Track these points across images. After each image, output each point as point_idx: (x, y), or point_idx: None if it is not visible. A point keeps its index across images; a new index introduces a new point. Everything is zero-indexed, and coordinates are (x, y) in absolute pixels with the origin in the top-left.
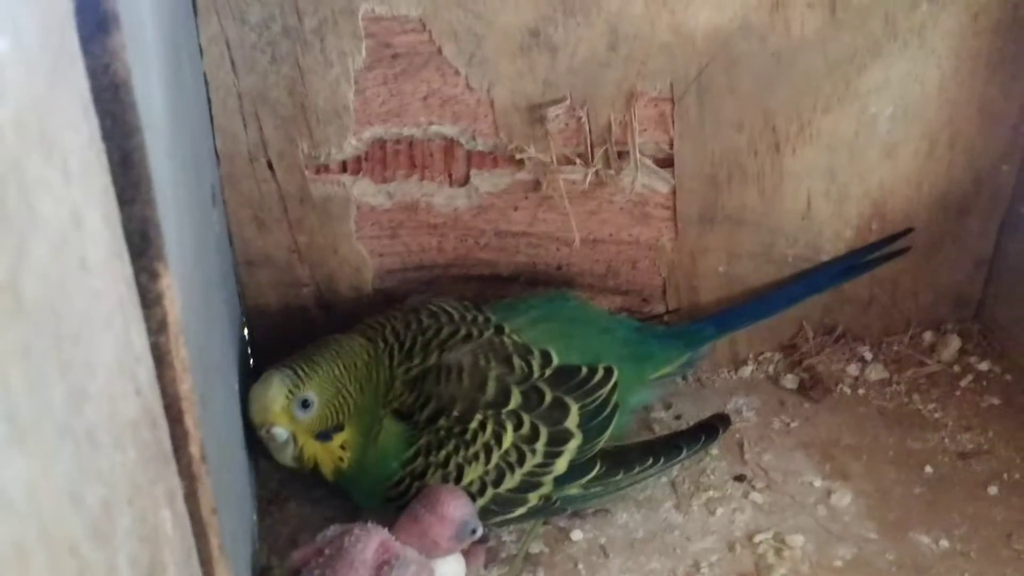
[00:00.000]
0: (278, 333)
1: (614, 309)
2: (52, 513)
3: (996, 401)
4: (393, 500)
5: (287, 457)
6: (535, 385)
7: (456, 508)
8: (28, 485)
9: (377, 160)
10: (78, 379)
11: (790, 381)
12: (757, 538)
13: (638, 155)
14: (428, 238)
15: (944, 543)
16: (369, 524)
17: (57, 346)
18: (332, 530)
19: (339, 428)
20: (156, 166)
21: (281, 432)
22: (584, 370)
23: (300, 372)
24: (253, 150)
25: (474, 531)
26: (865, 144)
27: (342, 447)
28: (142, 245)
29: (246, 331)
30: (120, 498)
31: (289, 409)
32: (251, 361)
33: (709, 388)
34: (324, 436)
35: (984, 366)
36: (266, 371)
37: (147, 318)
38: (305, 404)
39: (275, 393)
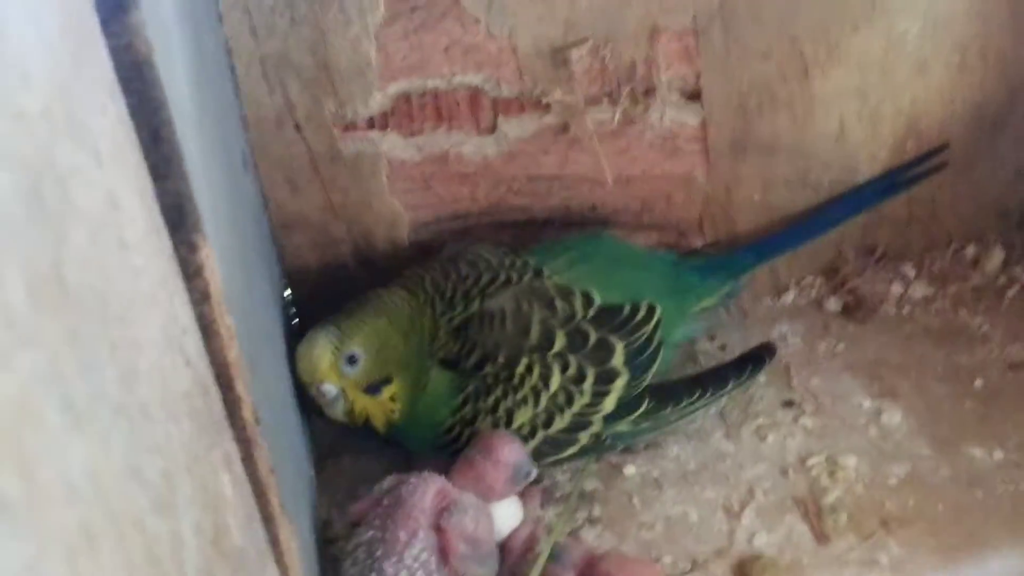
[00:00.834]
0: (320, 292)
1: (651, 245)
2: (115, 492)
3: None
4: (445, 447)
5: (338, 412)
6: (579, 326)
7: (510, 453)
8: (90, 469)
9: (404, 114)
10: (128, 358)
11: (833, 304)
12: (810, 462)
13: (665, 91)
14: (460, 188)
15: (998, 455)
16: (425, 473)
17: (105, 328)
18: (389, 481)
19: (387, 381)
20: (185, 140)
21: (330, 389)
22: (627, 308)
23: (344, 328)
24: (280, 114)
25: (528, 474)
26: (895, 62)
27: (392, 399)
28: (179, 219)
29: (288, 292)
30: (179, 468)
31: (336, 365)
32: (295, 322)
33: (752, 317)
34: (373, 389)
35: None
36: (310, 330)
37: (190, 290)
38: (351, 360)
39: (321, 351)
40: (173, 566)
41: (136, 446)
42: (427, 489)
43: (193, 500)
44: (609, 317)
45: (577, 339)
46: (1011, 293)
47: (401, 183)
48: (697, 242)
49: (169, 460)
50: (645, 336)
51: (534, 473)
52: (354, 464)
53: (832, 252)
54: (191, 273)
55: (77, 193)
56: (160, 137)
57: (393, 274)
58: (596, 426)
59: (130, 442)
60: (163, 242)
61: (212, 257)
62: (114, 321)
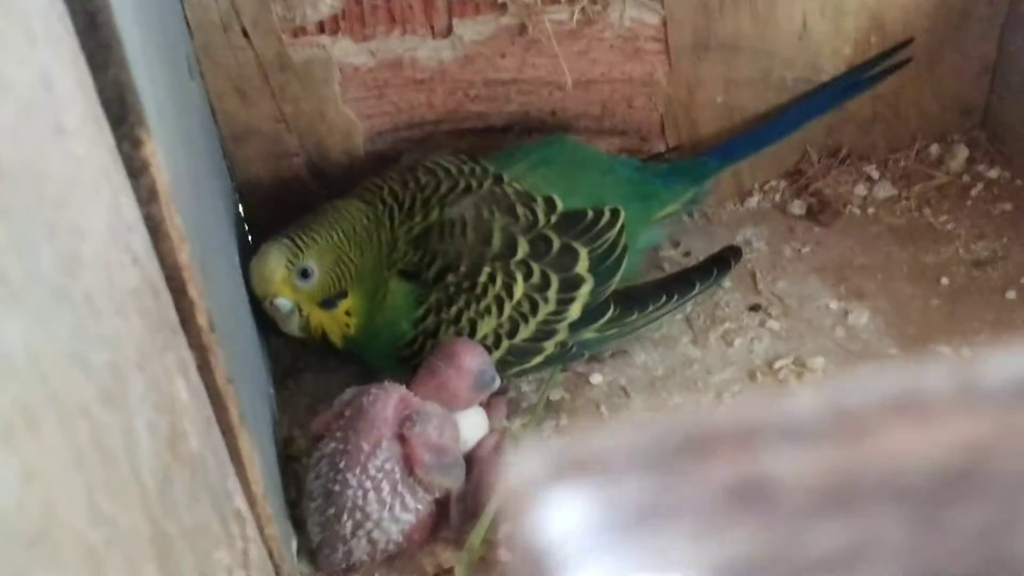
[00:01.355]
0: (273, 206)
1: (613, 151)
2: (57, 375)
3: (1008, 207)
4: (407, 360)
5: (293, 327)
6: (542, 233)
7: (472, 358)
8: (28, 346)
9: (355, 18)
10: (68, 243)
11: (798, 207)
12: (777, 364)
13: None
14: (416, 95)
15: (965, 351)
16: (386, 383)
17: (40, 208)
18: (349, 392)
19: (343, 295)
20: (124, 29)
21: (284, 303)
22: (590, 213)
23: (298, 241)
24: (225, 18)
25: (492, 380)
26: None
27: (347, 313)
28: (121, 111)
29: (240, 208)
30: (129, 364)
31: (290, 279)
32: (249, 237)
33: (716, 222)
34: (328, 304)
35: (993, 173)
36: (264, 243)
37: (136, 188)
38: (305, 273)
39: (274, 264)
40: (126, 460)
41: (81, 333)
42: (389, 398)
43: (145, 399)
44: (572, 223)
45: (540, 246)
46: (975, 191)
47: (354, 91)
48: (659, 147)
49: (117, 354)
50: (609, 241)
51: (498, 380)
52: (315, 382)
53: (796, 154)
54: (136, 169)
55: (6, 66)
56: (97, 23)
57: (349, 187)
58: (562, 334)
59: (74, 328)
60: (104, 134)
61: (158, 155)
62: (51, 203)
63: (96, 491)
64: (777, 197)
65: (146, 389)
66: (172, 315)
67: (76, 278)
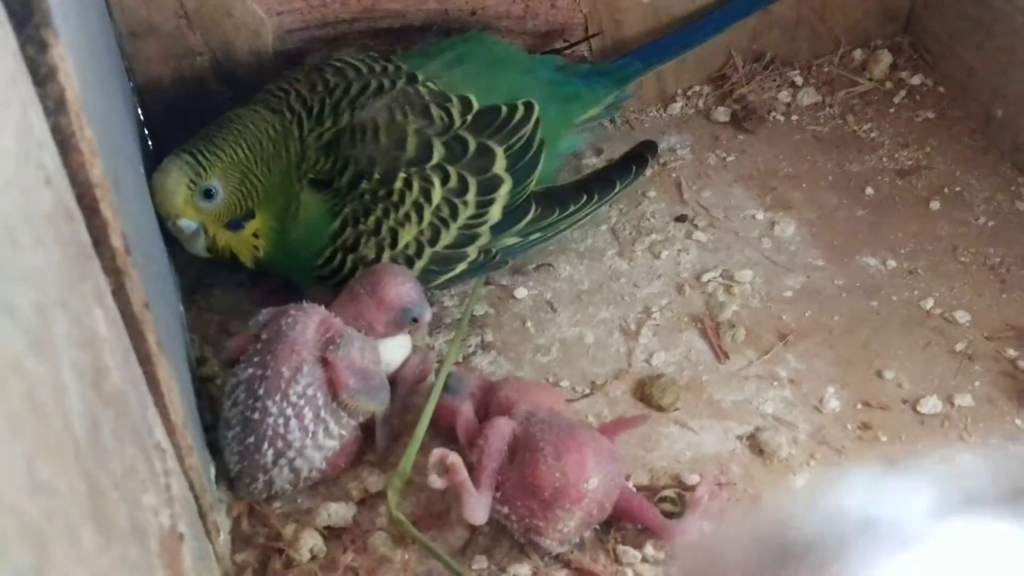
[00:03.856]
0: (175, 110)
1: (535, 51)
2: None
3: (931, 115)
4: (327, 279)
5: (200, 248)
6: (457, 135)
7: (397, 294)
8: None
9: None
10: None
11: (722, 114)
12: (705, 277)
13: None
14: None
15: (891, 263)
16: (305, 303)
17: None
18: (265, 314)
19: (250, 215)
20: None
21: (188, 224)
22: (504, 109)
23: (201, 159)
24: None
25: (416, 319)
26: None
27: (255, 235)
28: (25, 11)
29: (140, 112)
30: (51, 301)
31: (192, 200)
32: (150, 144)
33: (639, 129)
34: (234, 225)
35: (916, 80)
36: (165, 159)
37: (42, 96)
38: (208, 193)
39: (175, 184)
40: (57, 414)
41: (6, 275)
42: (308, 321)
43: (69, 338)
44: (487, 121)
45: (456, 148)
46: (898, 99)
47: None
48: (581, 48)
49: (41, 292)
50: (525, 137)
51: (425, 316)
52: (225, 297)
53: (720, 59)
54: (43, 77)
55: None
56: None
57: (257, 89)
58: (484, 238)
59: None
60: (8, 37)
61: (66, 60)
62: None
63: (34, 458)
64: (700, 103)
65: (69, 327)
66: (85, 238)
67: None
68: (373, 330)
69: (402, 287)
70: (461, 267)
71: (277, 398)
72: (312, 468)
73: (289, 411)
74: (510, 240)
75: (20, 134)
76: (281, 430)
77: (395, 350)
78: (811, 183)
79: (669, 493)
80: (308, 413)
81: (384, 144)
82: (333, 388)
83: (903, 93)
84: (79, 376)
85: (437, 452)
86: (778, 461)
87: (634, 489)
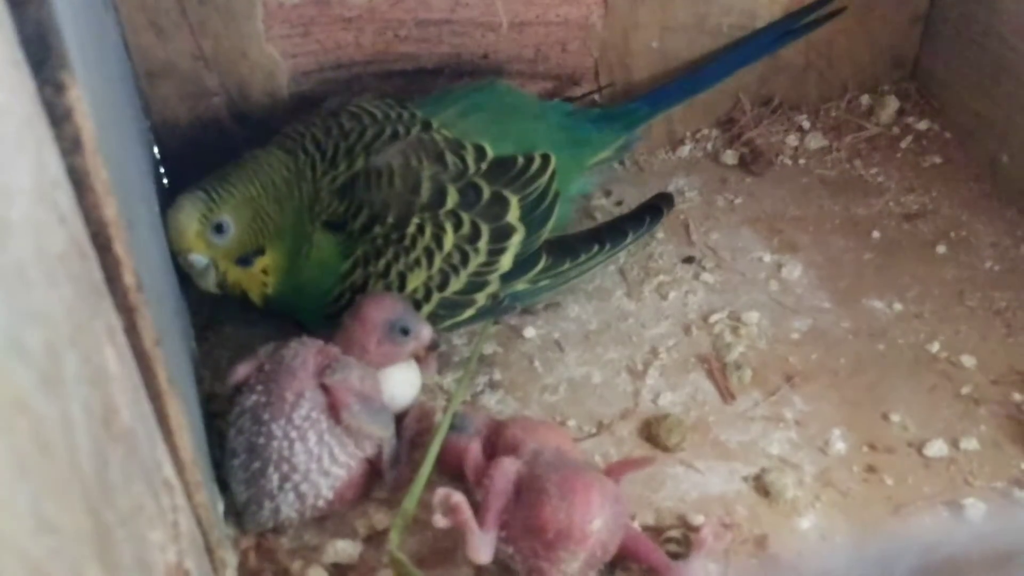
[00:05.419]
0: (191, 150)
1: (545, 96)
2: None
3: (937, 160)
4: (336, 317)
5: (210, 284)
6: (471, 181)
7: (376, 310)
8: None
9: None
10: None
11: (730, 157)
12: (712, 318)
13: None
14: (344, 33)
15: (897, 306)
16: (304, 337)
17: None
18: (268, 347)
19: (260, 252)
20: None
21: (199, 259)
22: (520, 160)
23: (213, 195)
24: None
25: (405, 331)
26: None
27: (264, 272)
28: (42, 53)
29: (156, 150)
30: (63, 339)
31: (204, 234)
32: (165, 181)
33: (648, 171)
34: (244, 261)
35: (923, 125)
36: (179, 195)
37: (59, 137)
38: (220, 228)
39: (187, 218)
40: (65, 452)
41: (15, 311)
42: (308, 351)
43: (79, 377)
44: (502, 170)
45: (470, 194)
46: (905, 143)
47: (279, 28)
48: (592, 90)
49: (51, 330)
50: (540, 188)
51: (423, 332)
52: (236, 334)
53: (728, 103)
54: (59, 117)
55: None
56: None
57: (271, 130)
58: (493, 285)
59: (9, 309)
60: (25, 79)
61: (82, 101)
62: None
63: (40, 497)
64: (709, 146)
65: (79, 365)
66: (98, 276)
67: (6, 250)
68: (367, 353)
69: (382, 302)
70: (469, 312)
71: (282, 422)
72: (318, 495)
73: (293, 434)
74: (520, 287)
75: (35, 174)
76: (286, 453)
77: (401, 384)
78: (818, 226)
79: (674, 534)
80: (312, 436)
81: (398, 188)
82: (335, 412)
83: (910, 138)
84: (88, 414)
85: (441, 491)
86: (783, 502)
87: (639, 530)
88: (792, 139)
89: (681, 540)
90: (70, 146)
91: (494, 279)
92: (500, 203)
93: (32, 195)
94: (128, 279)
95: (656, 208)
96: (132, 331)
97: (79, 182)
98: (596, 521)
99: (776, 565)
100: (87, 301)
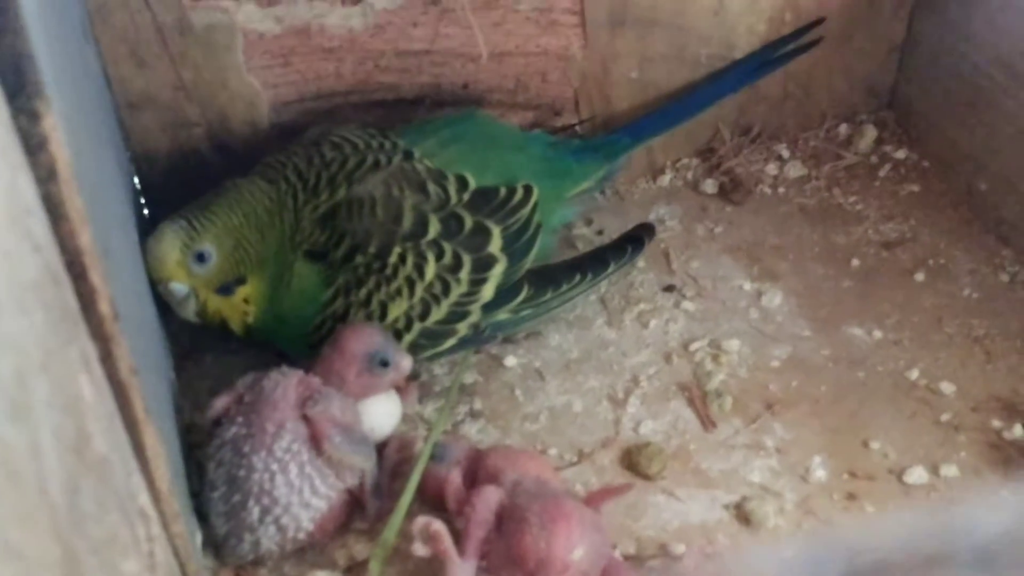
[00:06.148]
0: (172, 180)
1: (526, 126)
2: None
3: (915, 188)
4: (318, 346)
5: (189, 313)
6: (453, 211)
7: (355, 341)
8: None
9: None
10: None
11: (710, 186)
12: (693, 347)
13: None
14: (324, 64)
15: (877, 334)
16: (284, 367)
17: None
18: (248, 378)
19: (241, 281)
20: None
21: (179, 288)
22: (503, 191)
23: (195, 224)
24: None
25: (384, 362)
26: None
27: (245, 301)
28: (17, 82)
29: (136, 180)
30: (33, 366)
31: (184, 263)
32: (146, 212)
33: (629, 200)
34: (225, 290)
35: (901, 154)
36: (160, 224)
37: (34, 165)
38: (201, 257)
39: (168, 247)
40: (33, 479)
41: None
42: (288, 382)
43: (51, 404)
44: (484, 200)
45: (452, 225)
46: (883, 172)
47: (259, 59)
48: (573, 121)
49: (22, 356)
50: (523, 219)
51: (402, 362)
52: (217, 364)
53: (708, 132)
54: (34, 146)
55: None
56: None
57: (252, 160)
58: (475, 316)
59: None
60: (1, 107)
61: (58, 130)
62: None
63: (6, 523)
64: (689, 175)
65: (50, 392)
66: (73, 305)
67: None
68: (345, 382)
69: (361, 334)
70: (450, 342)
71: (263, 454)
72: (299, 528)
73: (274, 466)
74: (501, 317)
75: (9, 202)
76: (267, 486)
77: (382, 415)
78: (797, 254)
79: (655, 563)
80: (293, 468)
81: (380, 218)
82: (317, 443)
83: (888, 167)
84: (59, 441)
85: (421, 520)
86: (765, 531)
87: (620, 559)
88: (771, 168)
89: (662, 569)
90: (45, 174)
91: (475, 309)
92: (482, 233)
93: (5, 222)
94: (103, 307)
95: (637, 238)
96: (108, 359)
97: (54, 210)
98: (577, 550)
99: None
100: (60, 328)
